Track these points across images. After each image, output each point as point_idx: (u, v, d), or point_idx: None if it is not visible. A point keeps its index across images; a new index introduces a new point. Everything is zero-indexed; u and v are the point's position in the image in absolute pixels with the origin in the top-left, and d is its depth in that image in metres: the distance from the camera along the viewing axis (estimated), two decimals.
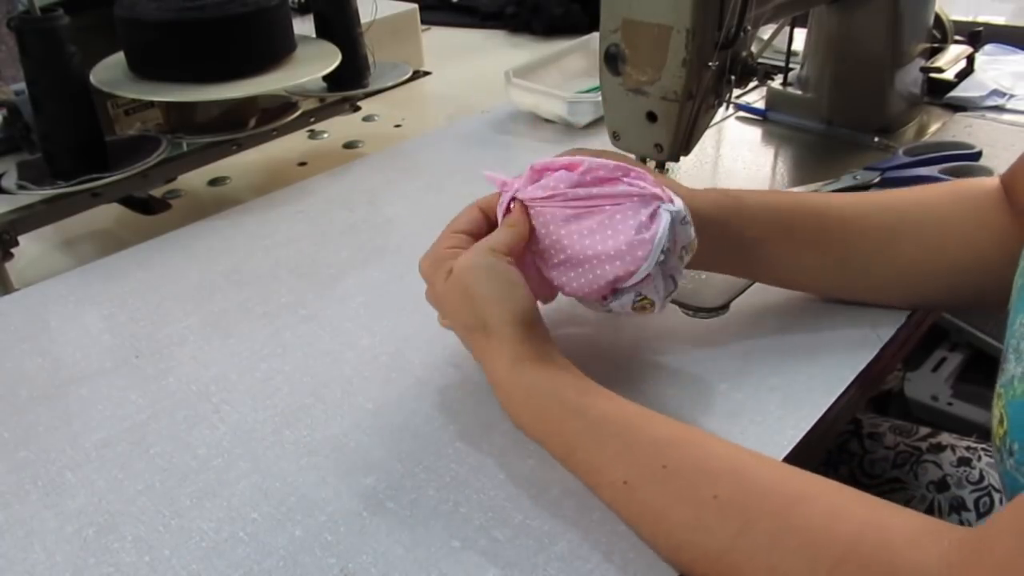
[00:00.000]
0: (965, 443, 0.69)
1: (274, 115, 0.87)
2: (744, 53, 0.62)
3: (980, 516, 0.64)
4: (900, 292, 0.57)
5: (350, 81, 0.91)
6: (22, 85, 0.71)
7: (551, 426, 0.45)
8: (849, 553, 0.34)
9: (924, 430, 0.72)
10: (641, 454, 0.42)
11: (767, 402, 0.52)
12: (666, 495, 0.40)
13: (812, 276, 0.58)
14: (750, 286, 0.64)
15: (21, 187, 0.71)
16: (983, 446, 0.69)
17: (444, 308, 0.51)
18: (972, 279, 0.54)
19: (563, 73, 1.03)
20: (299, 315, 0.64)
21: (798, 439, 0.49)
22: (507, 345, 0.47)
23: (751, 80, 0.64)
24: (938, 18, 0.88)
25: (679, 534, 0.40)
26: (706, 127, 0.66)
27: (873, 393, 0.70)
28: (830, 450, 0.72)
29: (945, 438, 0.70)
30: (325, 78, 0.86)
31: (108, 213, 0.84)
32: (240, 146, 0.85)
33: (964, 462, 0.67)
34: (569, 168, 0.51)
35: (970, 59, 0.93)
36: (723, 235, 0.54)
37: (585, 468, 0.44)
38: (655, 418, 0.44)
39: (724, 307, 0.61)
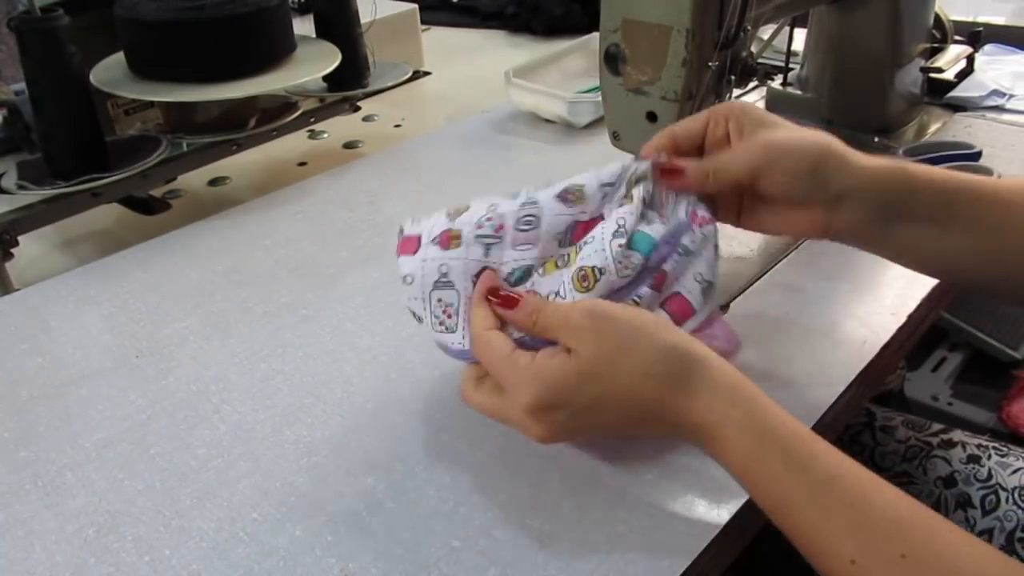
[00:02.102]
0: (976, 441, 0.69)
1: (274, 115, 0.87)
2: (744, 53, 0.62)
3: (986, 514, 0.64)
4: None
5: (350, 81, 0.91)
6: (22, 85, 0.71)
7: (766, 473, 0.39)
8: None
9: (937, 426, 0.72)
10: (876, 534, 0.37)
11: None
12: None
13: (959, 264, 0.51)
14: (750, 286, 0.64)
15: (21, 187, 0.71)
16: (994, 444, 0.69)
17: (603, 375, 0.42)
18: None
19: (563, 73, 1.03)
20: (299, 315, 0.64)
21: None
22: (712, 370, 0.42)
23: (751, 80, 0.64)
24: (938, 18, 0.88)
25: None
26: None
27: (874, 393, 0.70)
28: (842, 439, 0.72)
29: (957, 435, 0.70)
30: (325, 78, 0.86)
31: (108, 213, 0.84)
32: (240, 146, 0.85)
33: (973, 459, 0.67)
34: None
35: (970, 59, 0.93)
36: (882, 216, 0.48)
37: (802, 531, 0.38)
38: (885, 488, 0.38)
39: (724, 307, 0.61)
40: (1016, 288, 0.52)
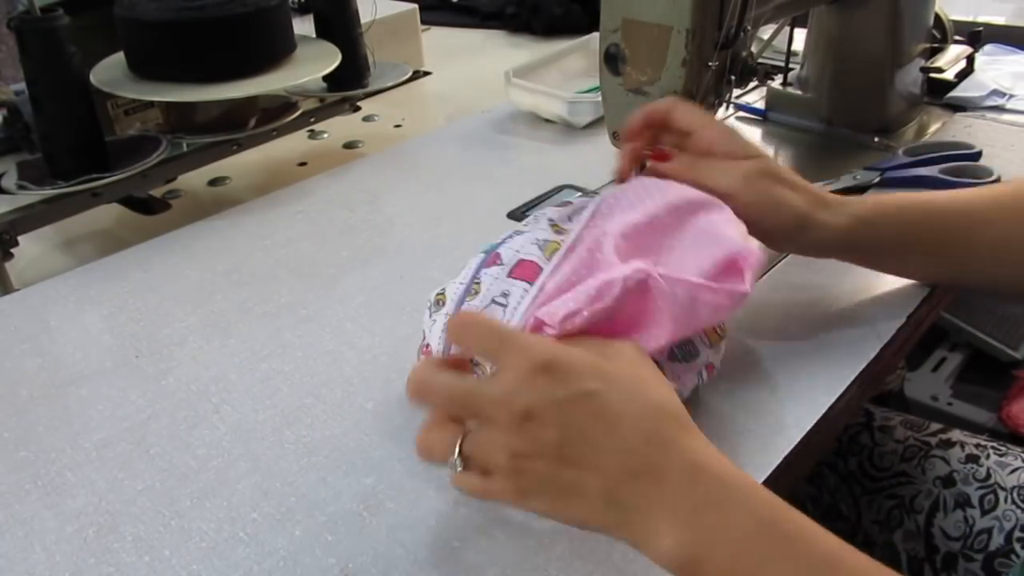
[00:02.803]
0: (975, 440, 0.69)
1: (274, 115, 0.87)
2: (744, 53, 0.62)
3: (984, 513, 0.64)
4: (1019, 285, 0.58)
5: (350, 81, 0.91)
6: (22, 85, 0.71)
7: (762, 550, 0.35)
8: None
9: (935, 426, 0.72)
10: None
11: (767, 402, 0.52)
12: None
13: (929, 275, 0.61)
14: None
15: (21, 187, 0.71)
16: (993, 444, 0.69)
17: (577, 449, 0.36)
18: None
19: (563, 73, 1.03)
20: (299, 315, 0.64)
21: (798, 439, 0.49)
22: (682, 432, 0.37)
23: (751, 80, 0.64)
24: (938, 18, 0.88)
25: None
26: None
27: (874, 393, 0.70)
28: (841, 440, 0.73)
29: (955, 435, 0.70)
30: (325, 78, 0.86)
31: (108, 213, 0.84)
32: (240, 146, 0.85)
33: (972, 459, 0.67)
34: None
35: (970, 59, 0.93)
36: (856, 246, 0.56)
37: None
38: (854, 551, 0.36)
39: None
40: (987, 288, 0.61)
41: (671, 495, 0.35)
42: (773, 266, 0.66)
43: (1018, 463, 0.66)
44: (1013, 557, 0.61)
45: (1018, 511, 0.63)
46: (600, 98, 0.66)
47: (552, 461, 0.36)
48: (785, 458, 0.48)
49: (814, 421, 0.51)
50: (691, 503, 0.35)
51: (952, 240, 0.56)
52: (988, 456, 0.67)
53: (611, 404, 0.36)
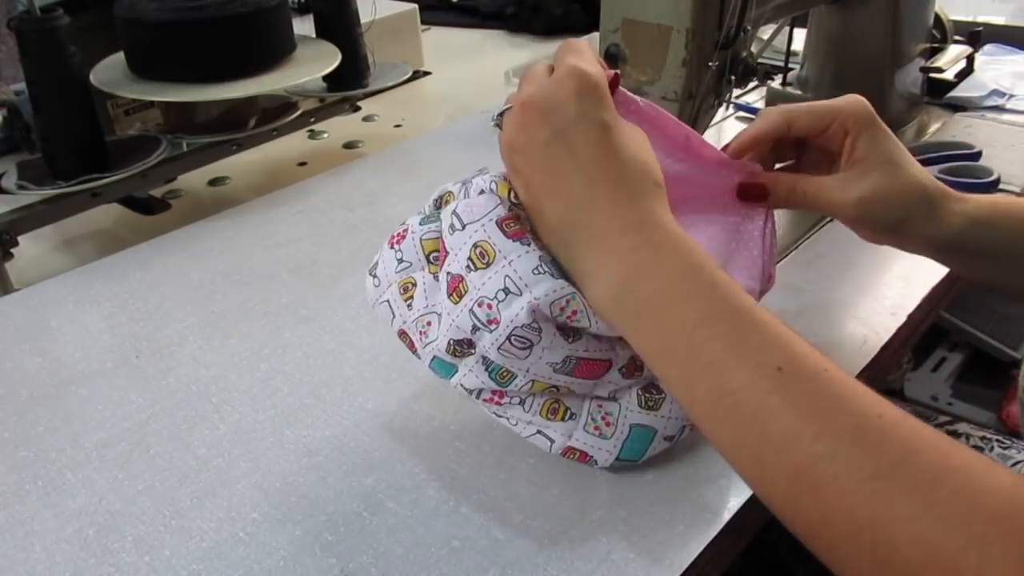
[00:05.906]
0: (981, 433, 0.69)
1: (274, 115, 0.87)
2: (744, 53, 0.62)
3: None
4: None
5: (350, 81, 0.91)
6: (22, 85, 0.71)
7: (683, 289, 0.37)
8: (1008, 507, 0.30)
9: (943, 418, 0.72)
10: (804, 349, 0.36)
11: None
12: (821, 399, 0.34)
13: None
14: None
15: (21, 187, 0.72)
16: (998, 437, 0.69)
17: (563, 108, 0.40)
18: None
19: None
20: (299, 315, 0.64)
21: None
22: (657, 192, 0.41)
23: (751, 80, 0.64)
24: (938, 18, 0.88)
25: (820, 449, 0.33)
26: (706, 127, 0.66)
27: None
28: None
29: (962, 427, 0.70)
30: (325, 78, 0.86)
31: (108, 213, 0.84)
32: (240, 146, 0.85)
33: (976, 451, 0.67)
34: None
35: (970, 59, 0.93)
36: (966, 247, 0.51)
37: (723, 344, 0.36)
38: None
39: None
40: None
41: (617, 232, 0.39)
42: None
43: (1022, 456, 0.66)
44: None
45: None
46: None
47: (537, 159, 0.41)
48: None
49: None
50: (634, 243, 0.39)
51: None
52: (992, 448, 0.67)
53: (606, 142, 0.40)
